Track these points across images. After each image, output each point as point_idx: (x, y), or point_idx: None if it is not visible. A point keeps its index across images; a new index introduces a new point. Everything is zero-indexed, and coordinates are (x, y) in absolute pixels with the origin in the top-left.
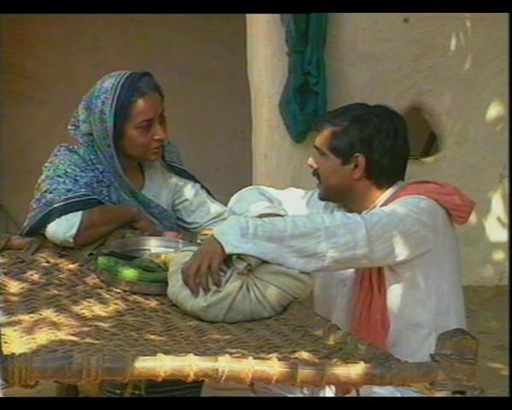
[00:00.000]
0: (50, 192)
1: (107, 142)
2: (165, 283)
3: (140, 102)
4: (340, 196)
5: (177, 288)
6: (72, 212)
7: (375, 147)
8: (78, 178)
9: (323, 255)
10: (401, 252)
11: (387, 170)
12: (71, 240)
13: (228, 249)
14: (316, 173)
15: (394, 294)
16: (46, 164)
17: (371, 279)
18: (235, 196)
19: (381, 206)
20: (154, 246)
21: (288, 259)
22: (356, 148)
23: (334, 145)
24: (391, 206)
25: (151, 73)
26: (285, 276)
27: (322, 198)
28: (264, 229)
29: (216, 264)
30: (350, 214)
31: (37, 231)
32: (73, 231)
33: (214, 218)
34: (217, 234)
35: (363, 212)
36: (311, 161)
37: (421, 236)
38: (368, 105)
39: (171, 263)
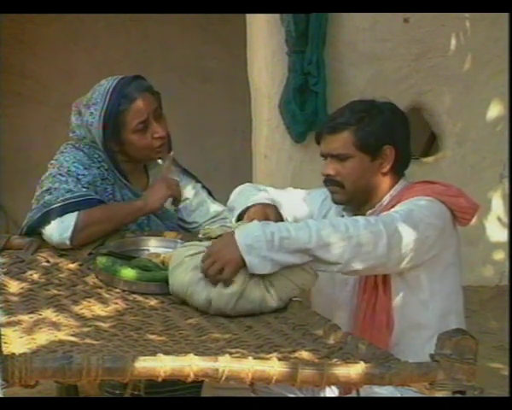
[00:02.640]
0: (50, 192)
1: (101, 148)
2: (164, 282)
3: (131, 108)
4: (365, 195)
5: (186, 280)
6: (69, 212)
7: (398, 137)
8: (80, 177)
9: (345, 264)
10: (412, 258)
11: (408, 159)
12: (67, 242)
13: (251, 269)
14: (334, 182)
15: (399, 295)
16: (52, 161)
17: (376, 280)
18: (234, 192)
19: (387, 204)
20: (152, 246)
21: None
22: (383, 140)
23: (361, 143)
24: (406, 208)
25: (151, 72)
26: (294, 266)
27: (343, 203)
28: (291, 241)
29: (228, 273)
30: (372, 219)
31: (34, 231)
32: (68, 233)
33: (213, 217)
34: (241, 245)
35: (368, 212)
36: (327, 170)
37: (433, 240)
38: (369, 100)
39: (173, 258)
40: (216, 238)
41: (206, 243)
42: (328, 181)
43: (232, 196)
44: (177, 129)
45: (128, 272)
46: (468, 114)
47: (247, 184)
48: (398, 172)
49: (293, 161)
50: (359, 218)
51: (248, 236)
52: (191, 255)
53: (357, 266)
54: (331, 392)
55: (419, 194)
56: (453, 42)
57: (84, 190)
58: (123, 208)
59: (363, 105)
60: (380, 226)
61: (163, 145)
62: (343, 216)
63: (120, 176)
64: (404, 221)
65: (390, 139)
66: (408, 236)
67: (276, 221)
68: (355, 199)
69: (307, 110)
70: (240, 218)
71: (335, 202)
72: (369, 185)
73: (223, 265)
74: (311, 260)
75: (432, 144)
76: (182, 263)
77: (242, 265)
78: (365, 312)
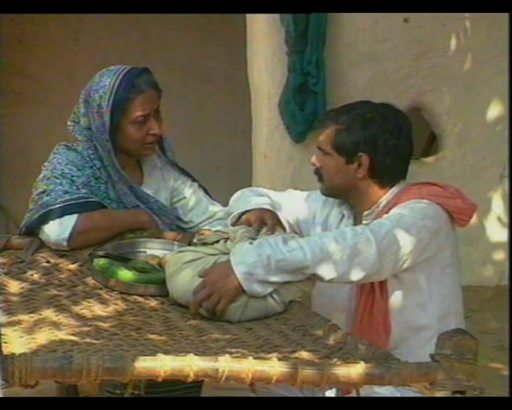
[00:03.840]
0: (47, 194)
1: (105, 136)
2: (161, 284)
3: (137, 99)
4: (343, 194)
5: (186, 290)
6: (68, 214)
7: (379, 146)
8: (74, 178)
9: (341, 277)
10: (406, 261)
11: (391, 169)
12: (64, 243)
13: (251, 294)
14: (318, 172)
15: (396, 297)
16: (45, 163)
17: (373, 283)
18: (233, 196)
19: (384, 206)
20: (149, 248)
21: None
22: (360, 147)
23: (337, 144)
24: (397, 213)
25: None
26: None
27: (324, 194)
28: (287, 263)
29: (224, 304)
30: (359, 229)
31: (32, 232)
32: (66, 235)
33: (210, 218)
34: (239, 274)
35: (365, 212)
36: (314, 159)
37: (426, 243)
38: (372, 103)
39: (170, 263)
40: (212, 244)
41: (203, 249)
42: (314, 170)
43: (231, 201)
44: (177, 129)
45: (125, 274)
46: (468, 114)
47: (247, 188)
48: (381, 179)
49: (293, 161)
50: (347, 230)
51: (245, 263)
52: (188, 262)
53: (353, 277)
54: (331, 392)
55: (415, 197)
56: (453, 42)
57: (83, 191)
58: (123, 217)
59: (363, 108)
60: (367, 235)
61: (154, 143)
62: (343, 215)
63: (115, 169)
64: (394, 226)
65: (367, 148)
66: (399, 240)
67: (274, 226)
68: (334, 195)
69: (307, 110)
70: (236, 221)
71: (321, 192)
72: (345, 186)
73: (220, 297)
74: (307, 276)
75: (432, 144)
76: (180, 270)
77: (241, 292)
78: (362, 315)
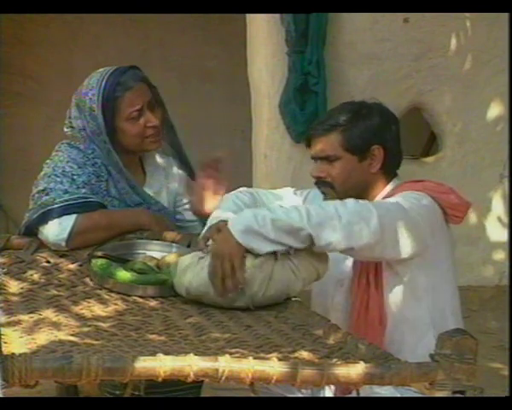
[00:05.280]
0: (47, 193)
1: (102, 138)
2: (160, 285)
3: (126, 96)
4: (357, 195)
5: (205, 281)
6: (67, 214)
7: (387, 136)
8: (75, 177)
9: (338, 243)
10: (405, 245)
11: (398, 157)
12: (63, 243)
13: (252, 250)
14: (324, 183)
15: (391, 292)
16: (47, 161)
17: (368, 277)
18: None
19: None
20: (148, 249)
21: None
22: (371, 140)
23: (348, 144)
24: (394, 200)
25: (151, 72)
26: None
27: None
28: (283, 222)
29: (239, 263)
30: (362, 201)
31: (32, 231)
32: (65, 235)
33: None
34: (236, 233)
35: None
36: (316, 172)
37: (422, 230)
38: (353, 101)
39: (183, 259)
40: None
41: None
42: (319, 183)
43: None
44: (177, 129)
45: (123, 275)
46: (468, 114)
47: (241, 189)
48: (389, 171)
49: (293, 161)
50: (349, 199)
51: (240, 223)
52: (200, 258)
53: (352, 242)
54: (331, 392)
55: (409, 189)
56: (453, 42)
57: (83, 191)
58: (122, 217)
59: (352, 106)
60: (369, 206)
61: (155, 135)
62: None
63: (116, 168)
64: (394, 205)
65: (378, 139)
66: (398, 219)
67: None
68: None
69: (307, 110)
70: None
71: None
72: (359, 185)
73: (230, 260)
74: (306, 241)
75: (432, 144)
76: (193, 264)
77: (243, 249)
78: (359, 310)
